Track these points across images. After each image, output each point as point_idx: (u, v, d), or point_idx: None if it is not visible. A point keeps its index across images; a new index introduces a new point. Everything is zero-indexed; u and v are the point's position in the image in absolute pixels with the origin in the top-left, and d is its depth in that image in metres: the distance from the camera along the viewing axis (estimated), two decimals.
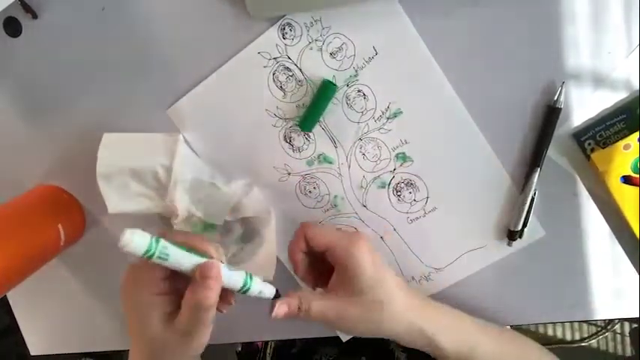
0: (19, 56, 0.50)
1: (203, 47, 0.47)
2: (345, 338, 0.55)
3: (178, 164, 0.48)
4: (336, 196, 0.51)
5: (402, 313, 0.42)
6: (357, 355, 0.62)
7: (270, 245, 0.50)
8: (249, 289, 0.40)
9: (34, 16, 0.48)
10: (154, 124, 0.50)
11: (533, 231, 0.49)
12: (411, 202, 0.50)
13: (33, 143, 0.53)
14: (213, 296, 0.36)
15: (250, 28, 0.46)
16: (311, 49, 0.46)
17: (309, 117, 0.48)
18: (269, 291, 0.41)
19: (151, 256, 0.34)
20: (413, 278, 0.52)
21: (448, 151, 0.48)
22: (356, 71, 0.47)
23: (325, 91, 0.46)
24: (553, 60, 0.44)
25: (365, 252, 0.41)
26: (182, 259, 0.36)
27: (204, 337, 0.40)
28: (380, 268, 0.42)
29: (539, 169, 0.46)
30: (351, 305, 0.41)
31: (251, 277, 0.40)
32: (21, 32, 0.49)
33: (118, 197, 0.49)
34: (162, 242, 0.35)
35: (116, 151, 0.49)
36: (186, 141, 0.49)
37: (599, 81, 0.45)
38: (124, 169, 0.48)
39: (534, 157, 0.46)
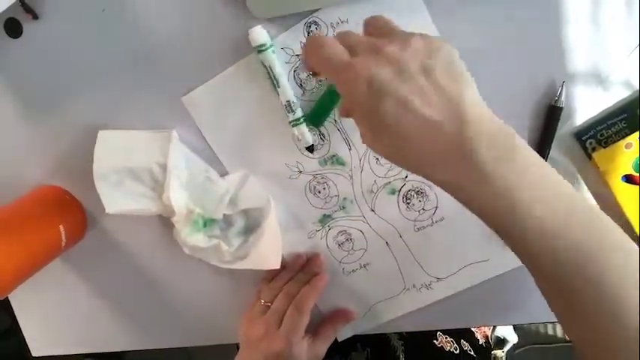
0: (20, 57, 0.50)
1: (203, 47, 0.47)
2: (340, 338, 0.55)
3: (173, 160, 0.48)
4: (345, 199, 0.50)
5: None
6: (353, 342, 0.62)
7: (273, 234, 0.50)
8: None
9: (35, 16, 0.48)
10: (155, 126, 0.50)
11: None
12: (419, 211, 0.50)
13: (34, 144, 0.53)
14: None
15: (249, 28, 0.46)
16: None
17: (316, 111, 0.47)
18: None
19: None
20: (414, 286, 0.52)
21: None
22: None
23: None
24: (553, 60, 0.44)
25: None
26: None
27: None
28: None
29: None
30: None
31: None
32: (22, 33, 0.49)
33: (116, 197, 0.49)
34: None
35: (111, 150, 0.49)
36: (180, 137, 0.49)
37: (599, 81, 0.45)
38: (120, 168, 0.48)
39: None
